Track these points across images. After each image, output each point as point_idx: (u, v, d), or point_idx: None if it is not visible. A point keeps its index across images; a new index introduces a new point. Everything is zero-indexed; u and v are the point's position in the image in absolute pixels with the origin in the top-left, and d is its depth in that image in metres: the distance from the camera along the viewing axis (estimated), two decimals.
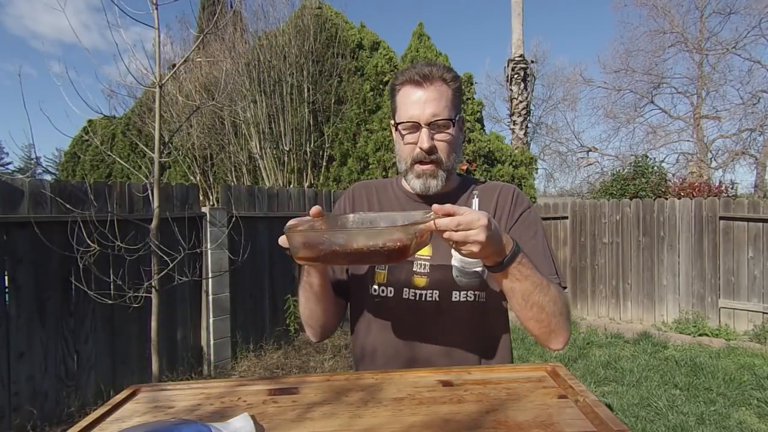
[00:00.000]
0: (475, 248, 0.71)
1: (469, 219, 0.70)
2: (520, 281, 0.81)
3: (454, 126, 0.95)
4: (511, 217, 1.00)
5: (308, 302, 0.98)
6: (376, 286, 1.00)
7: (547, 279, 0.86)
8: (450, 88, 0.95)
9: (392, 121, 1.02)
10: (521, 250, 0.81)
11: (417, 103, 0.93)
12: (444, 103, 0.94)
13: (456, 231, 0.70)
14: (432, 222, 0.71)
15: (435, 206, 0.71)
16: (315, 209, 0.79)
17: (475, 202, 1.01)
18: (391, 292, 0.98)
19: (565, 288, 0.97)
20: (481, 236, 0.70)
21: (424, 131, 0.93)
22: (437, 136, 0.94)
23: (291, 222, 0.77)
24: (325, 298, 0.97)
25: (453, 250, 0.96)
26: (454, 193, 1.03)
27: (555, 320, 0.86)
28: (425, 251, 0.98)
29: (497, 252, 0.76)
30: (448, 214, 0.71)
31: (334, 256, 0.70)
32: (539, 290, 0.83)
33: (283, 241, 0.77)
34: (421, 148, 0.93)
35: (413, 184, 0.98)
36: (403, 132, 0.96)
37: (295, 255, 0.74)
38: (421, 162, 0.95)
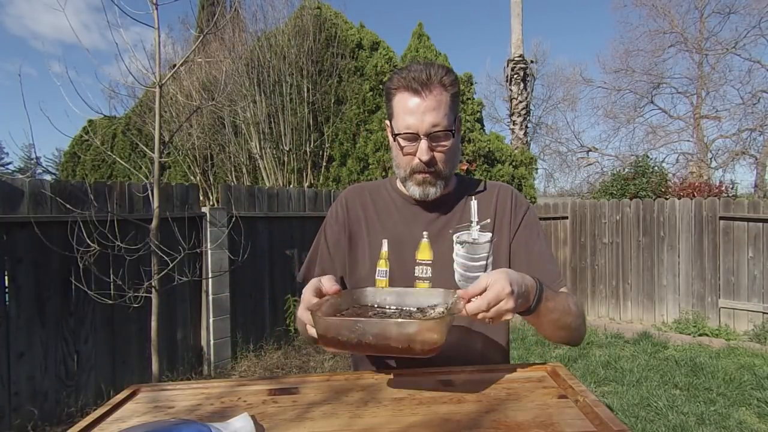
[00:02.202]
0: (508, 316, 0.73)
1: (495, 293, 0.71)
2: (546, 315, 0.84)
3: (453, 137, 0.93)
4: (514, 220, 1.00)
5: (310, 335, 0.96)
6: None
7: (567, 298, 0.89)
8: (448, 93, 0.92)
9: (388, 122, 1.00)
10: (544, 288, 0.82)
11: (415, 112, 0.90)
12: (443, 112, 0.90)
13: (488, 311, 0.72)
14: (463, 309, 0.72)
15: (460, 291, 0.74)
16: (334, 288, 0.79)
17: (474, 204, 1.00)
18: None
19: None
20: (511, 304, 0.72)
21: (423, 143, 0.90)
22: (436, 147, 0.92)
23: (312, 303, 0.75)
24: None
25: (455, 254, 0.96)
26: (451, 195, 1.02)
27: (578, 332, 0.92)
28: (426, 255, 0.97)
29: (524, 303, 0.78)
30: (474, 295, 0.72)
31: (364, 347, 0.67)
32: (565, 315, 0.87)
33: (308, 319, 0.74)
34: (420, 160, 0.92)
35: (412, 191, 0.97)
36: (402, 143, 0.93)
37: (323, 341, 0.69)
38: (420, 171, 0.94)
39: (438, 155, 0.93)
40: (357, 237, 1.02)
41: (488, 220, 0.99)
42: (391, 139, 0.99)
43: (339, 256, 1.03)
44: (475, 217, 0.99)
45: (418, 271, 0.96)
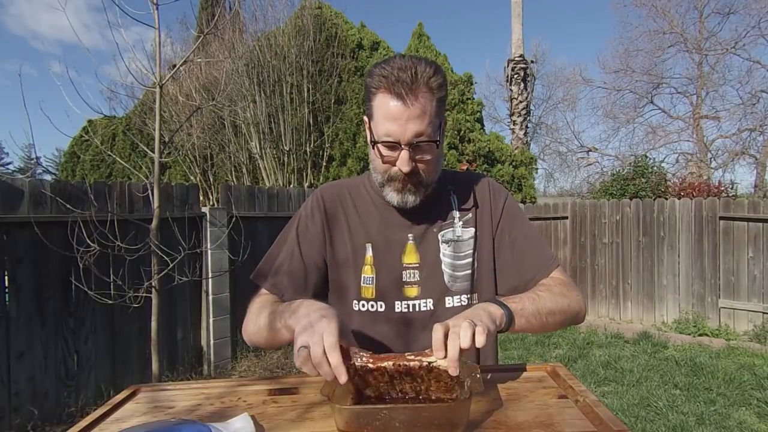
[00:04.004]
0: (483, 319, 0.71)
1: (454, 324, 0.69)
2: (528, 327, 0.83)
3: (438, 147, 0.86)
4: (495, 212, 0.97)
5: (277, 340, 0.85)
6: (364, 302, 0.93)
7: (547, 297, 0.86)
8: (435, 96, 0.83)
9: (366, 119, 0.91)
10: (510, 309, 0.79)
11: (397, 119, 0.81)
12: (428, 120, 0.82)
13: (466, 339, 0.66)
14: (480, 381, 0.65)
15: (429, 352, 0.69)
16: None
17: (453, 200, 0.98)
18: (381, 307, 0.92)
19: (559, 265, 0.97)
20: (472, 323, 0.68)
21: (405, 153, 0.82)
22: (419, 157, 0.84)
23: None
24: None
25: (442, 255, 0.93)
26: (432, 194, 0.95)
27: (571, 316, 0.90)
28: (413, 258, 0.93)
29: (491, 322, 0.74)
30: (442, 343, 0.67)
31: (390, 430, 0.63)
32: (548, 316, 0.85)
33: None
34: (400, 170, 0.84)
35: (390, 197, 0.89)
36: (382, 150, 0.85)
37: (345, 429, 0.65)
38: (399, 179, 0.87)
39: (420, 165, 0.86)
40: (337, 239, 0.96)
41: (469, 215, 0.96)
42: (368, 138, 0.91)
43: (313, 257, 0.95)
44: (456, 213, 0.96)
45: (406, 275, 0.92)
